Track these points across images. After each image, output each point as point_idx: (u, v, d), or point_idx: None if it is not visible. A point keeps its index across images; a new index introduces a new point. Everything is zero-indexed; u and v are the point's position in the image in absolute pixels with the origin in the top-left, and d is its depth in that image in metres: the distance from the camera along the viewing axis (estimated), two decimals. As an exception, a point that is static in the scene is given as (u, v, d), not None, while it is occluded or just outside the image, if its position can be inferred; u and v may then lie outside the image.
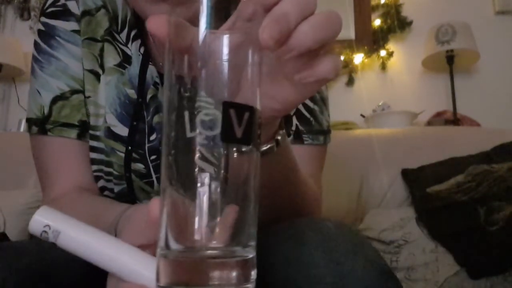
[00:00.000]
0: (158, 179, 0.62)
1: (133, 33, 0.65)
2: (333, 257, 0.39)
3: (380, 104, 2.04)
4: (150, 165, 0.62)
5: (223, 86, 0.29)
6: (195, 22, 0.29)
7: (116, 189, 0.64)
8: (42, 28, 0.65)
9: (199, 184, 0.28)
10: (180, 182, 0.29)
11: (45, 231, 0.36)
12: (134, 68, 0.64)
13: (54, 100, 0.63)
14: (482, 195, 1.15)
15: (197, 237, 0.28)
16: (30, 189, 1.31)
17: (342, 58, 2.23)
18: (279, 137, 0.42)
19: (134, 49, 0.64)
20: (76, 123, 0.63)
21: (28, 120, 0.64)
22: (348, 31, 2.27)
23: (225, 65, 0.29)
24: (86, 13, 0.65)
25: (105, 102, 0.63)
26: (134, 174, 0.62)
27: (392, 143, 1.43)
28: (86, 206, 0.58)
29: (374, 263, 0.39)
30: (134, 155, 0.62)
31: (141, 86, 0.63)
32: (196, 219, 0.28)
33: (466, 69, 2.21)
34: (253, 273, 0.29)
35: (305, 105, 0.68)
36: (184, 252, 0.28)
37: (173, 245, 0.28)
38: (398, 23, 2.26)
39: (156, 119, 0.63)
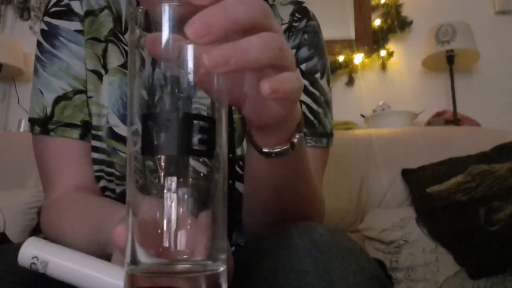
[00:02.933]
0: None
1: None
2: (324, 265, 0.38)
3: (380, 104, 2.05)
4: None
5: (187, 96, 0.28)
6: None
7: (118, 189, 0.64)
8: (45, 28, 0.65)
9: (165, 197, 0.28)
10: (145, 194, 0.29)
11: (33, 263, 0.36)
12: None
13: (57, 100, 0.63)
14: (482, 195, 1.15)
15: (165, 250, 0.27)
16: (30, 189, 1.30)
17: (342, 58, 2.23)
18: (295, 140, 0.42)
19: None
20: (79, 123, 0.63)
21: (31, 120, 0.64)
22: (348, 31, 2.27)
23: (191, 75, 0.29)
24: (89, 13, 0.65)
25: (108, 102, 0.63)
26: None
27: (392, 143, 1.43)
28: (87, 210, 0.57)
29: (366, 271, 0.39)
30: None
31: None
32: (164, 233, 0.27)
33: (466, 69, 2.21)
34: (224, 287, 0.28)
35: (309, 108, 0.67)
36: (153, 267, 0.28)
37: (142, 260, 0.28)
38: (398, 23, 2.26)
39: None
